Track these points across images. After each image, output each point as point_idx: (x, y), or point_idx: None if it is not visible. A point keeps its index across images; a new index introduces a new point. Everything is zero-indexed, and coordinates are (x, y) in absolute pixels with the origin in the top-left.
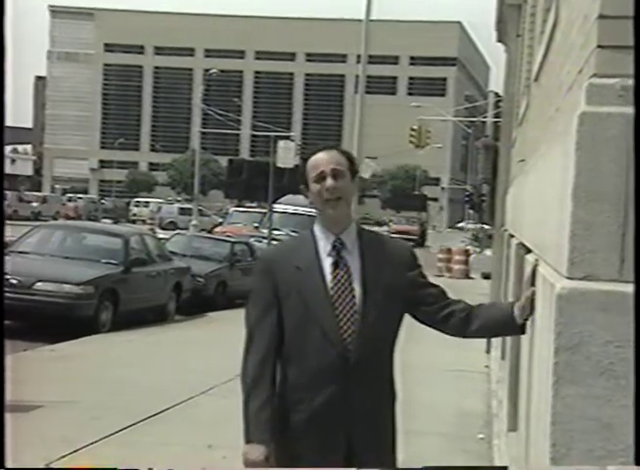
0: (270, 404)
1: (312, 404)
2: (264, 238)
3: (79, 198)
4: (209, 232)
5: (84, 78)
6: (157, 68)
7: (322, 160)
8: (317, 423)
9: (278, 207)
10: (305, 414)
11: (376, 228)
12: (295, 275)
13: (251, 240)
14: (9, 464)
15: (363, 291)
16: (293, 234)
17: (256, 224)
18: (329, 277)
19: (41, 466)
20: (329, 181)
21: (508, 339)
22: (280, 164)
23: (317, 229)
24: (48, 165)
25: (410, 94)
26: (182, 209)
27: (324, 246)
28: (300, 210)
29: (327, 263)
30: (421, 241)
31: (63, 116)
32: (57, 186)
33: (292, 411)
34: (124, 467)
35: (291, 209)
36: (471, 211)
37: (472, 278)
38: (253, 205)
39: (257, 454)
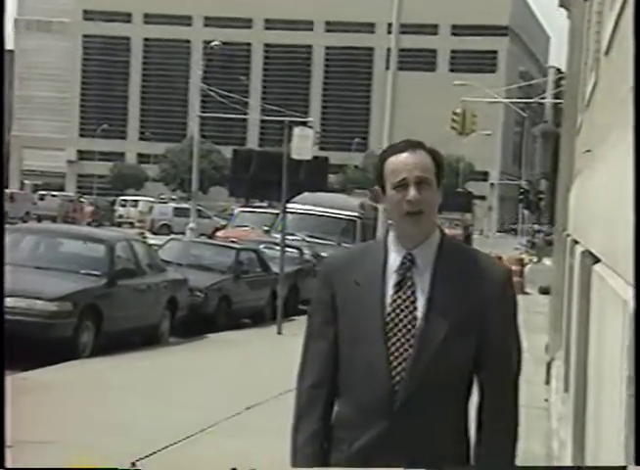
0: (318, 438)
1: (351, 448)
2: (276, 244)
3: (53, 195)
4: (210, 237)
5: (59, 52)
6: (147, 39)
7: (406, 164)
8: None
9: (293, 207)
10: (343, 456)
11: None
12: (353, 291)
13: (261, 247)
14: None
15: (425, 320)
16: (310, 240)
17: (267, 228)
18: (388, 300)
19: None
20: (412, 192)
21: (572, 367)
22: (295, 156)
23: (391, 239)
24: (16, 157)
25: (452, 70)
26: (177, 209)
27: (393, 260)
28: (320, 210)
29: (391, 282)
30: None
31: (34, 97)
32: (27, 182)
33: (333, 450)
34: None
35: (309, 209)
36: (526, 212)
37: (527, 293)
38: (263, 204)
39: None
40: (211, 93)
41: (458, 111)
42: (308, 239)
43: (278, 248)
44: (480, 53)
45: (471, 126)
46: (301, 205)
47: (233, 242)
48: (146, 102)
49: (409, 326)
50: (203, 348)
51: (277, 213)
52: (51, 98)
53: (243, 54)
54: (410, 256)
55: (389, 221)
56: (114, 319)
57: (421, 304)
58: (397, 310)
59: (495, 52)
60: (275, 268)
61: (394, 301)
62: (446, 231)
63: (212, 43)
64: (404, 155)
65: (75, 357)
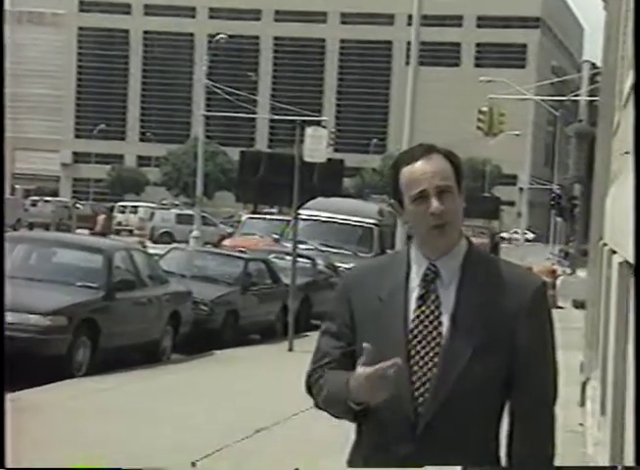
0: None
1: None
2: (287, 254)
3: (46, 201)
4: (216, 246)
5: (53, 47)
6: (147, 32)
7: (423, 173)
8: None
9: (305, 213)
10: None
11: None
12: (375, 306)
13: (271, 257)
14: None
15: (450, 337)
16: (324, 249)
17: (277, 236)
18: (411, 315)
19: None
20: (434, 204)
21: (609, 388)
22: (308, 158)
23: (413, 249)
24: (7, 159)
25: (478, 65)
26: (180, 216)
27: (416, 272)
28: (335, 217)
29: (414, 296)
30: None
31: (25, 95)
32: (17, 186)
33: None
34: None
35: (322, 215)
36: (558, 220)
37: (560, 307)
38: (273, 211)
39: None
40: (217, 90)
41: (484, 109)
42: (322, 248)
43: (289, 258)
44: (508, 46)
45: (498, 126)
46: (314, 211)
47: (240, 251)
48: (146, 100)
49: (433, 344)
50: (208, 366)
51: (288, 220)
52: (44, 96)
53: (251, 48)
54: (434, 267)
55: (411, 229)
56: (111, 335)
57: (446, 319)
58: (420, 327)
59: (525, 45)
60: (286, 280)
61: (417, 316)
62: (471, 240)
63: (218, 36)
64: (419, 163)
65: (70, 376)
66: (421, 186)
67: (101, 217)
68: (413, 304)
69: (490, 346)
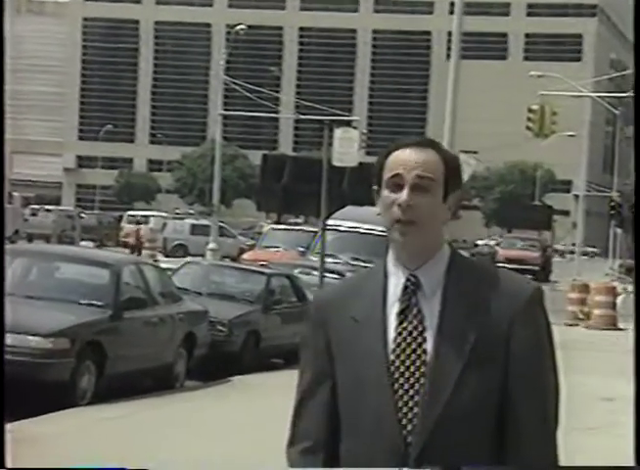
0: None
1: None
2: (314, 269)
3: (47, 210)
4: (235, 260)
5: (55, 39)
6: (158, 23)
7: (405, 160)
8: None
9: (334, 223)
10: None
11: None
12: (350, 329)
13: (296, 272)
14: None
15: (436, 354)
16: (356, 263)
17: (303, 249)
18: (392, 334)
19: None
20: (404, 195)
21: None
22: (337, 163)
23: (390, 260)
24: (5, 164)
25: (527, 59)
26: (196, 226)
27: (395, 285)
28: (367, 227)
29: (393, 312)
30: (543, 273)
31: (24, 93)
32: (15, 194)
33: None
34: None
35: (353, 226)
36: (619, 231)
37: (621, 329)
38: (298, 221)
39: None
40: (236, 87)
41: (535, 107)
42: (353, 262)
43: (316, 273)
44: (561, 37)
45: (550, 126)
46: (344, 221)
47: (262, 266)
48: (158, 98)
49: (418, 362)
50: (226, 394)
51: (315, 232)
52: (45, 94)
53: (274, 40)
54: (414, 278)
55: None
56: (119, 359)
57: (430, 334)
58: (403, 345)
59: (580, 36)
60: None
61: (399, 334)
62: (520, 252)
63: (237, 27)
64: (407, 151)
65: (73, 405)
66: (397, 170)
67: (141, 228)
68: (393, 321)
69: (482, 359)
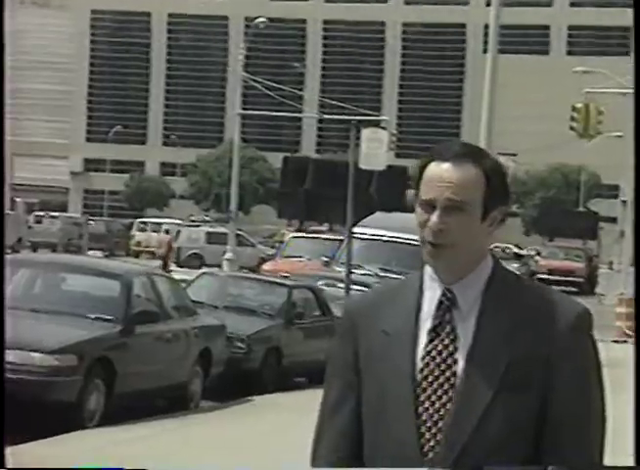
0: None
1: None
2: (339, 280)
3: (53, 217)
4: (254, 271)
5: (61, 33)
6: (172, 16)
7: (440, 179)
8: None
9: (361, 231)
10: None
11: (514, 266)
12: (380, 343)
13: (320, 284)
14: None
15: (466, 377)
16: (385, 274)
17: (327, 259)
18: (421, 352)
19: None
20: (434, 218)
21: None
22: (364, 166)
23: (427, 271)
24: (6, 167)
25: (571, 53)
26: (212, 234)
27: (430, 300)
28: (397, 236)
29: (425, 328)
30: (588, 286)
31: (28, 91)
32: (18, 199)
33: None
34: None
35: (382, 234)
36: None
37: None
38: (322, 228)
39: None
40: (256, 85)
41: (579, 106)
42: (382, 274)
43: (342, 285)
44: (607, 30)
45: (596, 126)
46: (373, 229)
47: (284, 277)
48: (171, 97)
49: (446, 386)
50: (245, 415)
51: (341, 240)
52: (50, 92)
53: (296, 34)
54: (450, 293)
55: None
56: (130, 377)
57: (462, 356)
58: (432, 365)
59: (628, 29)
60: (338, 312)
61: (429, 353)
62: (563, 264)
63: (257, 20)
64: (444, 166)
65: (80, 427)
66: (430, 194)
67: (167, 238)
68: (424, 337)
69: (516, 389)
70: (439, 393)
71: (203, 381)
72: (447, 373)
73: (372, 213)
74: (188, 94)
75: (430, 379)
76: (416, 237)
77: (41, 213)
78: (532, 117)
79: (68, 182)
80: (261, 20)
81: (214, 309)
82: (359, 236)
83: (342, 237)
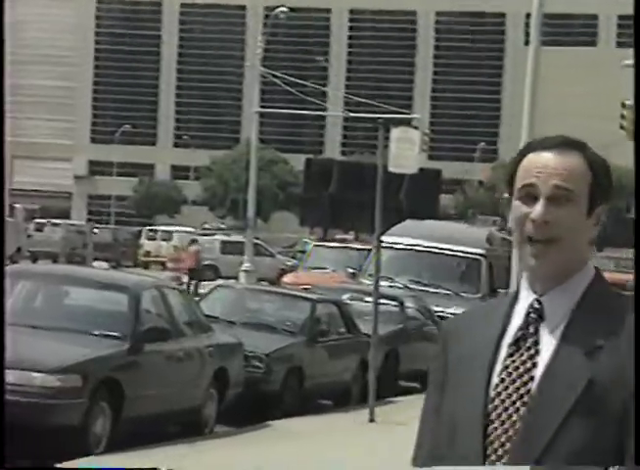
0: None
1: None
2: (367, 294)
3: (55, 224)
4: (274, 283)
5: (64, 25)
6: (184, 5)
7: (542, 166)
8: None
9: (391, 240)
10: None
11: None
12: (464, 360)
13: (345, 297)
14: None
15: (540, 396)
16: (416, 287)
17: (353, 270)
18: (498, 367)
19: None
20: (539, 208)
21: None
22: (394, 168)
23: (523, 282)
24: (6, 171)
25: (620, 45)
26: (227, 243)
27: (520, 312)
28: (430, 245)
29: (506, 343)
30: None
31: (29, 87)
32: (17, 205)
33: None
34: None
35: (413, 244)
36: None
37: None
38: (348, 237)
39: None
40: (275, 80)
41: (629, 102)
42: (413, 286)
43: (370, 299)
44: None
45: None
46: (403, 237)
47: (306, 290)
48: (183, 94)
49: (518, 404)
50: (263, 441)
51: (368, 250)
52: (51, 88)
53: (320, 24)
54: (538, 303)
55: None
56: (139, 400)
57: (540, 372)
58: (507, 381)
59: None
60: (366, 328)
61: (506, 367)
62: (613, 276)
63: (277, 10)
64: (546, 154)
65: (85, 453)
66: (532, 179)
67: (193, 249)
68: (504, 352)
69: (593, 411)
70: (510, 411)
71: (217, 404)
72: (522, 391)
73: (402, 221)
74: (202, 90)
75: (502, 396)
76: (448, 246)
77: (42, 221)
78: (578, 115)
79: (71, 187)
80: (282, 9)
81: (230, 326)
82: (388, 245)
83: (369, 246)
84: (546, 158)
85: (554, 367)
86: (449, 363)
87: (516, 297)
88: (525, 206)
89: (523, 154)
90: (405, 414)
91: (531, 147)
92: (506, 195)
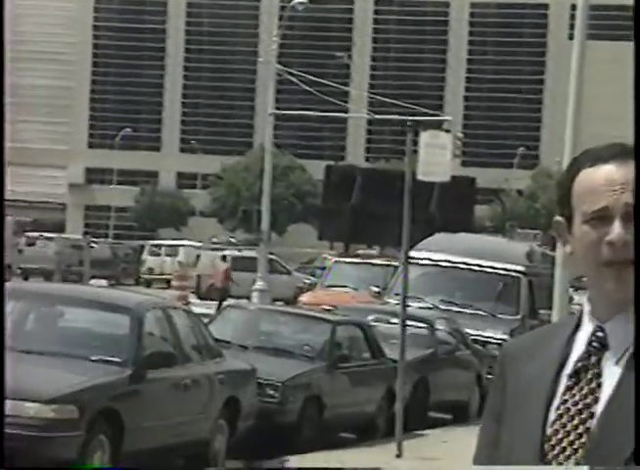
0: None
1: None
2: (393, 315)
3: (48, 238)
4: (291, 303)
5: (60, 19)
6: None
7: (610, 182)
8: None
9: (420, 256)
10: None
11: None
12: (521, 390)
13: (370, 319)
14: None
15: (600, 433)
16: (448, 308)
17: (378, 289)
18: (557, 401)
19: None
20: (617, 229)
21: None
22: (423, 176)
23: (585, 306)
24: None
25: None
26: (238, 259)
27: (582, 340)
28: (464, 261)
29: (566, 374)
30: None
31: (20, 87)
32: (8, 218)
33: None
34: None
35: (445, 260)
36: None
37: None
38: (372, 252)
39: None
40: (292, 78)
41: None
42: (444, 307)
43: (396, 321)
44: None
45: None
46: (433, 253)
47: (326, 311)
48: (190, 94)
49: (576, 444)
50: None
51: (394, 266)
52: (46, 88)
53: (341, 17)
54: (600, 331)
55: (578, 269)
56: (141, 432)
57: (600, 408)
58: (565, 418)
59: None
60: (392, 353)
61: (564, 402)
62: None
63: (294, 1)
64: (607, 168)
65: None
66: (602, 201)
67: (222, 266)
68: (562, 385)
69: None
70: (568, 452)
71: (227, 437)
72: (580, 429)
73: (433, 234)
74: (211, 90)
75: (560, 434)
76: (483, 263)
77: (34, 234)
78: (627, 117)
79: (65, 196)
80: (299, 1)
81: (242, 350)
82: (417, 261)
83: (395, 263)
84: (611, 172)
85: (616, 404)
86: (507, 392)
87: (578, 323)
88: (597, 229)
89: (576, 170)
90: (436, 449)
91: (585, 161)
92: (559, 218)
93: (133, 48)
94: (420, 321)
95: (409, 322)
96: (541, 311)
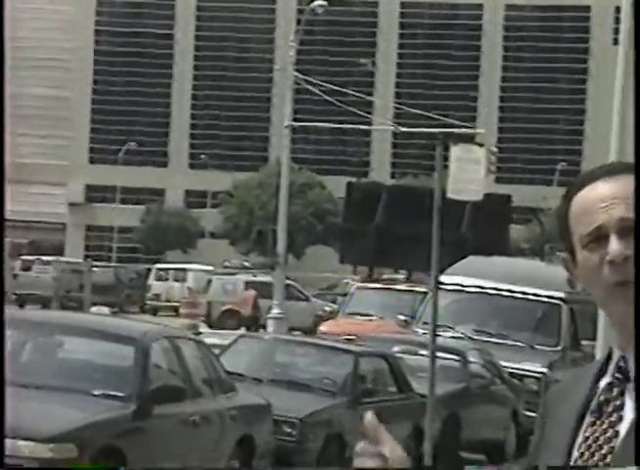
0: None
1: None
2: (422, 346)
3: (45, 262)
4: (310, 333)
5: (60, 23)
6: (201, 0)
7: (600, 198)
8: None
9: (451, 281)
10: None
11: None
12: (555, 430)
13: (396, 350)
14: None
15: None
16: (481, 338)
17: (405, 317)
18: (580, 439)
19: None
20: (614, 245)
21: None
22: (454, 194)
23: (615, 336)
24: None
25: None
26: (252, 284)
27: (610, 371)
28: (498, 287)
29: (591, 409)
30: None
31: (17, 96)
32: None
33: None
34: None
35: (478, 285)
36: None
37: None
38: (399, 277)
39: None
40: (310, 87)
41: None
42: (477, 337)
43: (425, 352)
44: None
45: None
46: (465, 278)
47: (348, 341)
48: (199, 105)
49: None
50: None
51: (423, 293)
52: (44, 99)
53: (364, 21)
54: (623, 361)
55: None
56: None
57: (620, 442)
58: (586, 455)
59: None
60: (421, 388)
61: (586, 439)
62: None
63: (313, 4)
64: (596, 185)
65: None
66: (596, 220)
67: (249, 294)
68: (587, 421)
69: None
70: None
71: None
72: (600, 465)
73: (465, 257)
74: (222, 101)
75: None
76: (524, 289)
77: (30, 258)
78: None
79: (65, 216)
80: (319, 3)
81: (257, 384)
82: (448, 287)
83: (424, 289)
84: (603, 188)
85: (630, 439)
86: (544, 434)
87: (609, 355)
88: (597, 251)
89: (569, 197)
90: None
91: (575, 186)
92: (562, 254)
93: (138, 54)
94: (451, 353)
95: (439, 354)
96: (584, 343)
